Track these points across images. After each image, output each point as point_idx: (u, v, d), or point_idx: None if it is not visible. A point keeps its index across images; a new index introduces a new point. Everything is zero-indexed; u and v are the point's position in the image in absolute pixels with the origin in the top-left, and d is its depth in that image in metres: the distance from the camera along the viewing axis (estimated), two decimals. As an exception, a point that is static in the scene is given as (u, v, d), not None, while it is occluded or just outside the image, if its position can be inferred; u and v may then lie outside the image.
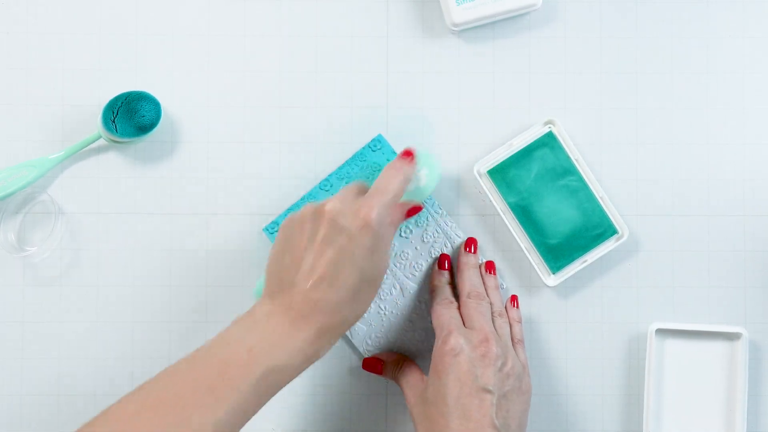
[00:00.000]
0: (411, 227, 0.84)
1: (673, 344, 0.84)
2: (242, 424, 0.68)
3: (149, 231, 0.84)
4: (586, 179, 0.83)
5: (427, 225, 0.84)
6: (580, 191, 0.83)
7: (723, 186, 0.85)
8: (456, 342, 0.75)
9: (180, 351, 0.83)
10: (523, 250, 0.83)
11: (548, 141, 0.84)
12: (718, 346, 0.84)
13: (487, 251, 0.85)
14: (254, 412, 0.68)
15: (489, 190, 0.83)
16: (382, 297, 0.83)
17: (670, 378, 0.83)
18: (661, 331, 0.83)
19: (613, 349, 0.85)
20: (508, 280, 0.85)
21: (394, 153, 0.83)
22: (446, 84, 0.85)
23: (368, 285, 0.72)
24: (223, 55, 0.85)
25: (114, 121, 0.82)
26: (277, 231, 0.82)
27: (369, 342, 0.84)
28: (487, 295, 0.82)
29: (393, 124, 0.85)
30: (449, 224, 0.84)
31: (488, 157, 0.84)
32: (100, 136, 0.83)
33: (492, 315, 0.80)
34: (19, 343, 0.84)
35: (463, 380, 0.74)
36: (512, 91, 0.86)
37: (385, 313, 0.83)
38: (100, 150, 0.85)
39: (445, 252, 0.84)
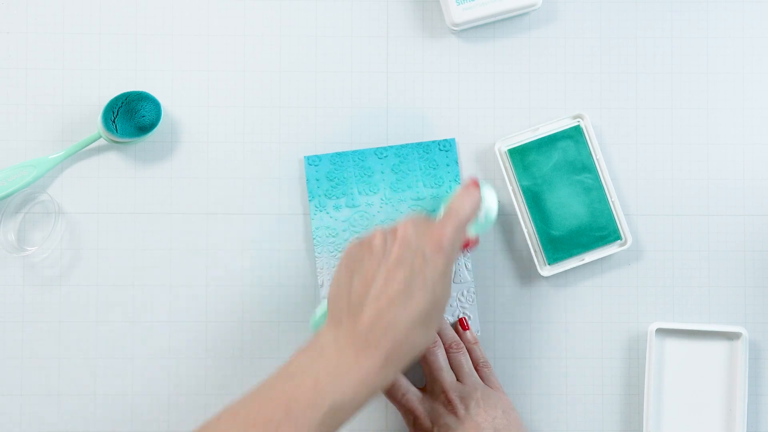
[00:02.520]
0: None
1: (673, 344, 0.84)
2: None
3: (149, 231, 0.84)
4: (603, 181, 0.83)
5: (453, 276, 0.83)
6: (594, 191, 0.83)
7: (723, 186, 0.85)
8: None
9: (180, 350, 0.83)
10: (525, 235, 0.83)
11: (574, 134, 0.83)
12: (718, 346, 0.83)
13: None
14: None
15: (506, 168, 0.83)
16: None
17: (670, 378, 0.83)
18: (661, 331, 0.83)
19: (613, 349, 0.85)
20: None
21: (457, 163, 0.84)
22: (446, 84, 0.85)
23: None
24: (223, 55, 0.85)
25: (114, 121, 0.82)
26: (318, 163, 0.83)
27: None
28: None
29: (393, 124, 0.85)
30: (468, 296, 0.84)
31: (511, 136, 0.84)
32: (100, 136, 0.83)
33: (447, 352, 0.81)
34: (19, 343, 0.84)
35: None
36: (512, 91, 0.85)
37: None
38: (100, 150, 0.85)
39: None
